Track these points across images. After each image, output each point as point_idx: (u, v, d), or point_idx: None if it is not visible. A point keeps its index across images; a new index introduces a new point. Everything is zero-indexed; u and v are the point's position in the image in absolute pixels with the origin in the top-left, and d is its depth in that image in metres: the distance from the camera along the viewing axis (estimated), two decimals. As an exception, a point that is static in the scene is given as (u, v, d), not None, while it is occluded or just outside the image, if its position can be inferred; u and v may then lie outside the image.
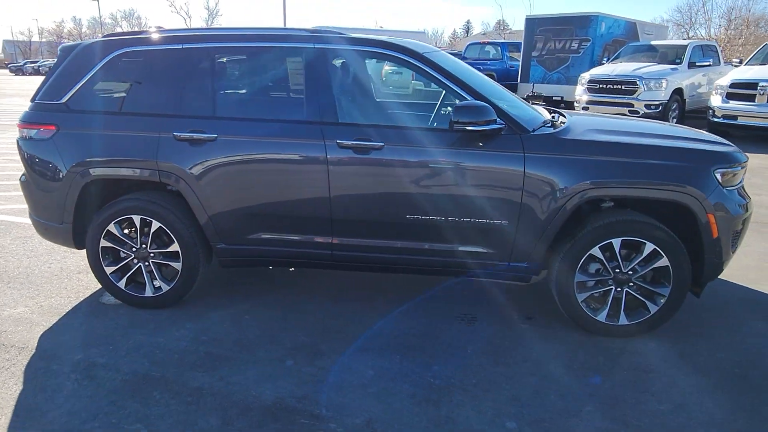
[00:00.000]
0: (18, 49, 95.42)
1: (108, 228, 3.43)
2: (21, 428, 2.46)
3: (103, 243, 3.47)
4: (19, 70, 54.35)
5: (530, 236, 3.17)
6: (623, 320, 3.20)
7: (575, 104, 12.51)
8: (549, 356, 3.07)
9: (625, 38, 14.71)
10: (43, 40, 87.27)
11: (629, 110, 11.26)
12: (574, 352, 3.12)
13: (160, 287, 3.51)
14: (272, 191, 3.31)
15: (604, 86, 11.78)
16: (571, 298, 3.21)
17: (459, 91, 3.19)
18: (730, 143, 3.43)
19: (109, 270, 3.52)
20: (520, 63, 15.49)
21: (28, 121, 3.50)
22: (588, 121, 3.67)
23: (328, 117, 3.22)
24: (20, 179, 3.63)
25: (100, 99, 3.46)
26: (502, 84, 4.16)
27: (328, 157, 3.18)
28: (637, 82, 11.30)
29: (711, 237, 3.07)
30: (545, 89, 14.71)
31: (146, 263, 3.49)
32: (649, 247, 3.07)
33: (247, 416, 2.55)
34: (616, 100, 11.49)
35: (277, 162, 3.27)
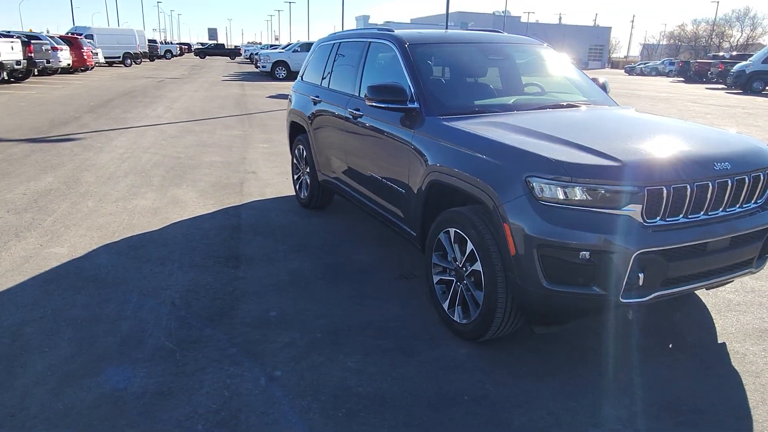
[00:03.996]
0: (645, 52, 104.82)
1: (294, 151, 5.70)
2: (178, 221, 5.16)
3: (294, 160, 5.77)
4: (632, 70, 60.46)
5: (411, 207, 3.49)
6: (457, 316, 3.12)
7: None
8: (382, 315, 3.43)
9: None
10: (663, 42, 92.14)
11: None
12: (408, 318, 3.35)
13: (305, 195, 5.56)
14: (332, 139, 4.75)
15: None
16: (428, 276, 3.36)
17: (408, 82, 3.66)
18: (620, 158, 2.51)
19: (294, 176, 5.82)
20: None
21: (293, 88, 6.06)
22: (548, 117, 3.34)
23: (354, 90, 4.36)
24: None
25: (306, 74, 5.65)
26: None
27: (347, 117, 4.36)
28: None
29: (508, 252, 2.64)
30: None
31: (304, 177, 5.58)
32: (470, 245, 2.92)
33: (217, 255, 4.40)
34: None
35: (334, 116, 4.66)
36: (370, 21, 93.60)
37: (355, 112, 4.19)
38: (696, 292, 3.66)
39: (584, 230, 2.48)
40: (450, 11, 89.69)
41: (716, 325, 3.32)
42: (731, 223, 2.69)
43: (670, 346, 3.09)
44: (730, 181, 2.65)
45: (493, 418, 2.48)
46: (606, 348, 3.07)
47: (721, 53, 46.50)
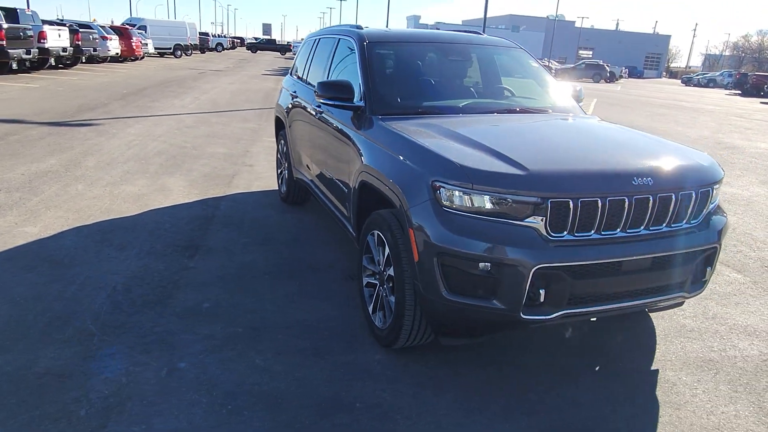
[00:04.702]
0: (707, 62, 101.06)
1: (278, 146, 5.72)
2: (156, 208, 5.25)
3: (278, 155, 5.79)
4: (689, 81, 57.86)
5: (350, 207, 3.43)
6: (378, 320, 3.05)
7: None
8: (313, 315, 3.39)
9: None
10: (726, 53, 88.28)
11: None
12: (337, 320, 3.30)
13: (284, 190, 5.57)
14: (301, 134, 4.73)
15: None
16: (359, 279, 3.29)
17: (359, 80, 3.59)
18: (527, 166, 2.38)
19: (278, 171, 5.84)
20: None
21: (283, 83, 6.09)
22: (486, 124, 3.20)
23: (320, 85, 4.33)
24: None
25: (293, 69, 5.66)
26: None
27: (312, 113, 4.33)
28: None
29: (412, 258, 2.55)
30: None
31: (284, 172, 5.59)
32: (387, 249, 2.84)
33: (177, 244, 4.45)
34: None
35: (305, 112, 4.63)
36: (421, 21, 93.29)
37: (317, 108, 4.16)
38: (649, 313, 3.47)
39: (483, 240, 2.37)
40: (502, 14, 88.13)
41: (658, 351, 3.12)
42: (654, 242, 2.52)
43: (597, 368, 2.92)
44: (651, 198, 2.47)
45: (377, 427, 2.40)
46: (527, 366, 2.93)
47: (783, 66, 44.07)
